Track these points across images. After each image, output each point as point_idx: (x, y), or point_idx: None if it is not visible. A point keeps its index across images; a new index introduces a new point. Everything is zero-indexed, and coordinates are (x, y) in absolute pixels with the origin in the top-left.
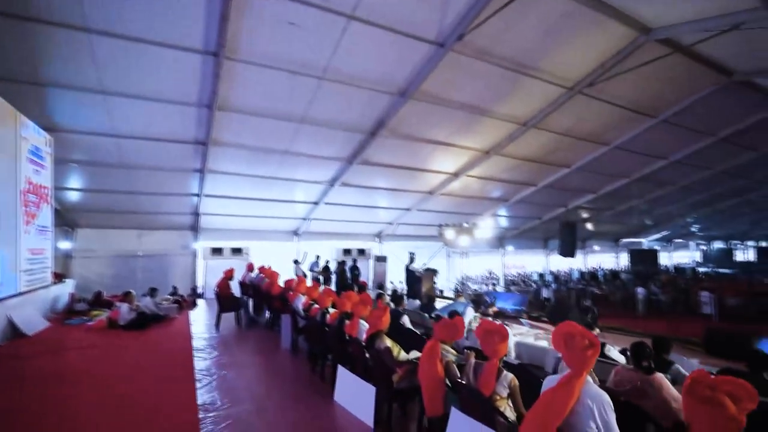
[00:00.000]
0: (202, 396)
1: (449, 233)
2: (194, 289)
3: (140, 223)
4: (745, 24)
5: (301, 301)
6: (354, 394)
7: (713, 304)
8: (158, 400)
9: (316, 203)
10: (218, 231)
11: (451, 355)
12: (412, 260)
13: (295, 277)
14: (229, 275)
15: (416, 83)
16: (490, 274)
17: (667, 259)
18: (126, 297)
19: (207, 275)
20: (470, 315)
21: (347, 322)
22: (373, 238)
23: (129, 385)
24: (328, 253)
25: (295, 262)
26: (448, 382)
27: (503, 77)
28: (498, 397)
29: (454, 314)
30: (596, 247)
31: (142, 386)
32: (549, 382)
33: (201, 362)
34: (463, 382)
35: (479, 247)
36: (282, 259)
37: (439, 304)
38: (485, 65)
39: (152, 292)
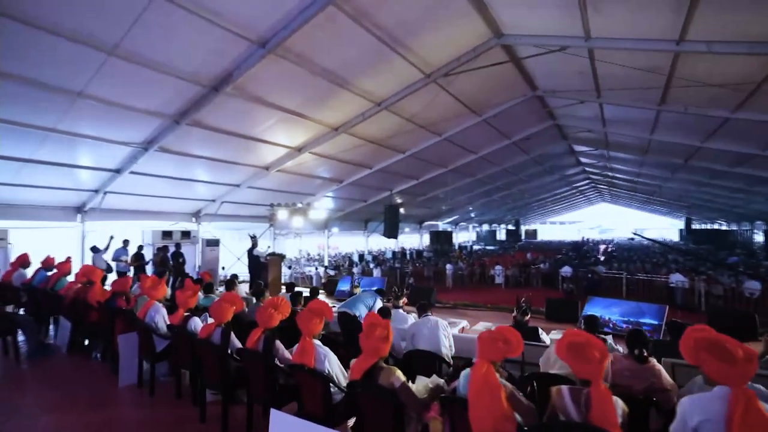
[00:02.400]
0: None
1: (282, 213)
2: None
3: None
4: (569, 49)
5: (160, 313)
6: None
7: (503, 276)
8: None
9: (117, 171)
10: None
11: (504, 380)
12: (255, 244)
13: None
14: None
15: (283, 35)
16: (309, 255)
17: (455, 239)
18: None
19: None
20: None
21: (278, 344)
22: (189, 218)
23: None
24: (138, 237)
25: (94, 249)
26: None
27: (374, 48)
28: None
29: (386, 312)
30: (407, 229)
31: None
32: (701, 406)
33: None
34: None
35: (304, 229)
36: (63, 247)
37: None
38: (361, 31)
39: None
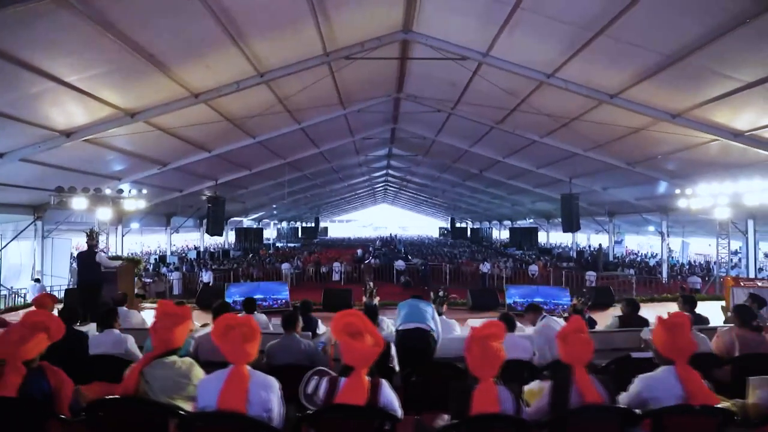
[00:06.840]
0: None
1: (79, 202)
2: None
3: None
4: (467, 60)
5: (274, 389)
6: None
7: (341, 272)
8: None
9: None
10: None
11: None
12: (92, 246)
13: None
14: None
15: None
16: None
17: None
18: None
19: None
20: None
21: None
22: None
23: None
24: None
25: None
26: None
27: (294, 4)
28: None
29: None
30: None
31: None
32: None
33: None
34: None
35: (81, 224)
36: None
37: None
38: None
39: None
